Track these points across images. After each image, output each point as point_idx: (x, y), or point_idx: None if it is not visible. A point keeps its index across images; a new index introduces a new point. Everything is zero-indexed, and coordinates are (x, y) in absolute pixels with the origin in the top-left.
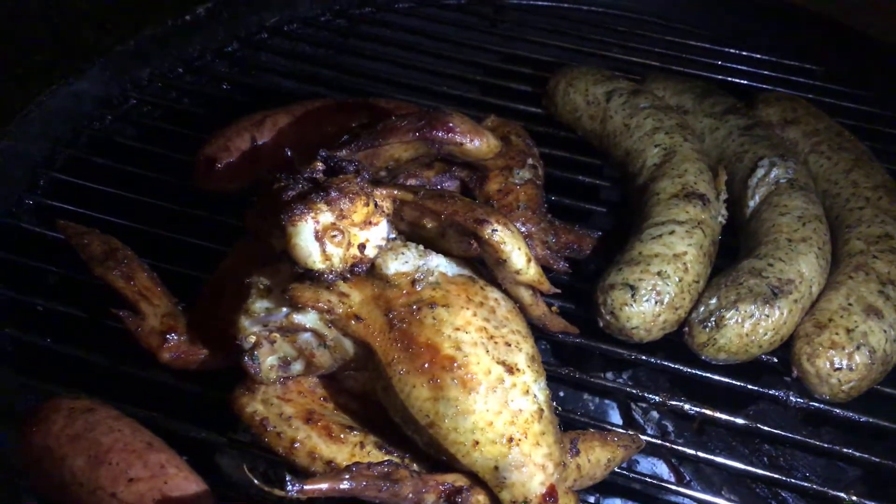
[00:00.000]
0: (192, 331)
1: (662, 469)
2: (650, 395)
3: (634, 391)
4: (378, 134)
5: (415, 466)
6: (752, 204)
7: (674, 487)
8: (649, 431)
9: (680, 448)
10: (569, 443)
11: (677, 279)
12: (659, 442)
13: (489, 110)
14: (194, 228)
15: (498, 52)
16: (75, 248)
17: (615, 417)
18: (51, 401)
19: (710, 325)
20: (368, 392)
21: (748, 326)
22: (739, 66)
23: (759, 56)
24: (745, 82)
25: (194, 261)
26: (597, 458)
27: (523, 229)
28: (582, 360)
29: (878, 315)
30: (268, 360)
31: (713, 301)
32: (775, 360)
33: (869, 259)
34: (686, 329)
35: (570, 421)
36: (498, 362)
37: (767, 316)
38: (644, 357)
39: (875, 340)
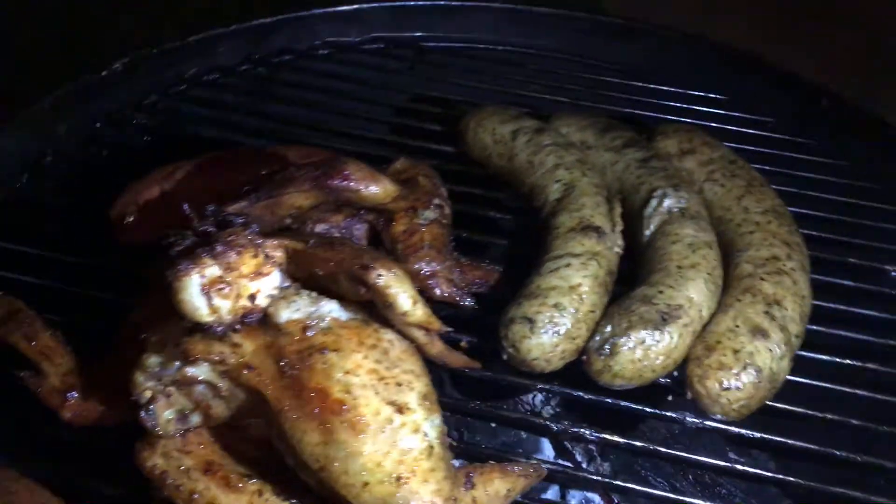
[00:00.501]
0: (93, 388)
1: (595, 499)
2: (552, 424)
3: (537, 420)
4: (277, 185)
5: None
6: (646, 233)
7: None
8: (578, 459)
9: (606, 480)
10: (463, 477)
11: (573, 310)
12: (586, 474)
13: (407, 151)
14: (108, 282)
15: (415, 93)
16: None
17: (541, 447)
18: None
19: (604, 352)
20: (270, 438)
21: (640, 352)
22: (647, 99)
23: (666, 88)
24: (653, 114)
25: (102, 314)
26: (495, 489)
27: (427, 269)
28: (493, 391)
29: (763, 335)
30: (164, 414)
31: (607, 329)
32: (670, 382)
33: (756, 281)
34: (584, 357)
35: (475, 454)
36: (387, 403)
37: (658, 341)
38: (547, 386)
39: (761, 360)
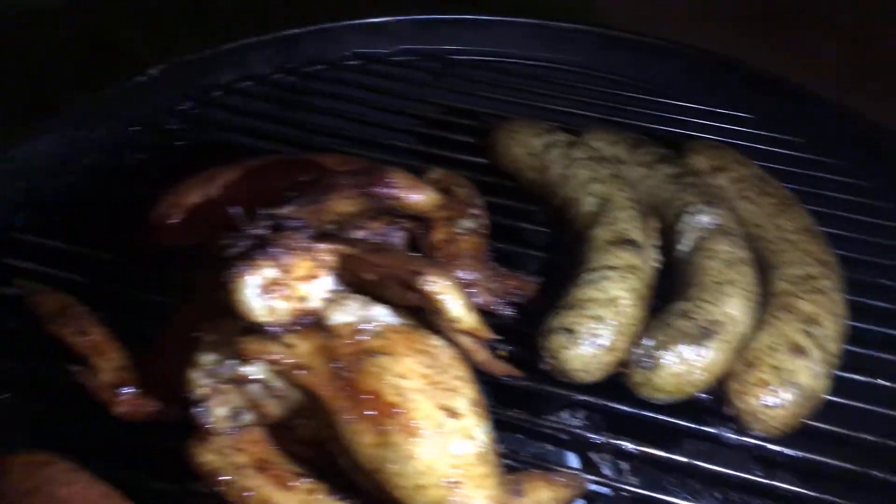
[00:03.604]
0: (144, 384)
1: None
2: (592, 436)
3: (578, 432)
4: (322, 191)
5: None
6: (681, 249)
7: None
8: (605, 472)
9: (637, 490)
10: (512, 484)
11: (613, 322)
12: (615, 483)
13: (435, 161)
14: (147, 282)
15: (444, 105)
16: (30, 306)
17: (570, 459)
18: (6, 456)
19: (646, 365)
20: (319, 439)
21: (682, 367)
22: (673, 116)
23: (692, 105)
24: (680, 131)
25: (149, 314)
26: (540, 498)
27: (467, 277)
28: (529, 401)
29: (802, 353)
30: (218, 411)
31: (648, 342)
32: (710, 398)
33: (793, 299)
34: (624, 369)
35: (515, 463)
36: (440, 407)
37: (699, 356)
38: (586, 397)
39: (801, 377)
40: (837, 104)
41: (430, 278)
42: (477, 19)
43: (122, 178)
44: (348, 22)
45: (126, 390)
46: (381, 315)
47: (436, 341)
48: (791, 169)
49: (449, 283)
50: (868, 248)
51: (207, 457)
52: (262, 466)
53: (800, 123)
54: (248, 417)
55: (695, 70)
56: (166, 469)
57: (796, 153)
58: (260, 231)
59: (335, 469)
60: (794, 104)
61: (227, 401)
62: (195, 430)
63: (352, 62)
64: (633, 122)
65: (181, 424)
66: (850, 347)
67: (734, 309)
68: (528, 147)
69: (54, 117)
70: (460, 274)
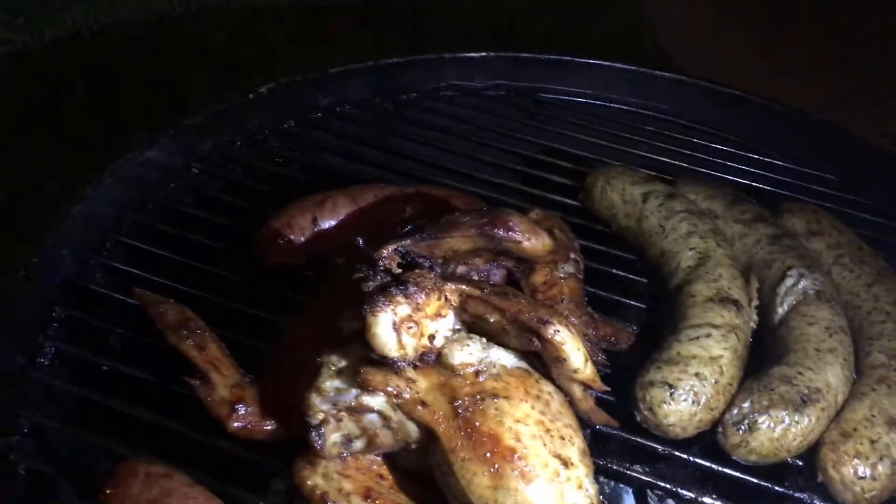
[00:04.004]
0: (259, 402)
1: None
2: (683, 491)
3: (667, 485)
4: (442, 227)
5: None
6: (780, 311)
7: None
8: None
9: None
10: None
11: (713, 381)
12: None
13: (528, 200)
14: (253, 298)
15: (536, 143)
16: (151, 316)
17: None
18: (127, 464)
19: (743, 427)
20: (422, 472)
21: (779, 431)
22: (761, 172)
23: (779, 162)
24: (768, 188)
25: (254, 330)
26: None
27: None
28: (608, 449)
29: None
30: (332, 437)
31: (746, 405)
32: (801, 463)
33: (891, 372)
34: (720, 429)
35: None
36: (554, 455)
37: (797, 422)
38: (676, 452)
39: None
40: None
41: (557, 327)
42: (570, 60)
43: (224, 192)
44: (447, 54)
45: (242, 408)
46: (500, 357)
47: (548, 387)
48: (877, 236)
49: (573, 333)
50: None
51: (315, 480)
52: (368, 495)
53: (885, 189)
54: (357, 445)
55: (780, 126)
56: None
57: (882, 220)
58: (392, 265)
59: (436, 503)
60: (877, 167)
61: (343, 427)
62: (304, 452)
63: (446, 93)
64: (724, 175)
65: (291, 443)
66: None
67: (833, 377)
68: (626, 194)
69: (165, 132)
70: None
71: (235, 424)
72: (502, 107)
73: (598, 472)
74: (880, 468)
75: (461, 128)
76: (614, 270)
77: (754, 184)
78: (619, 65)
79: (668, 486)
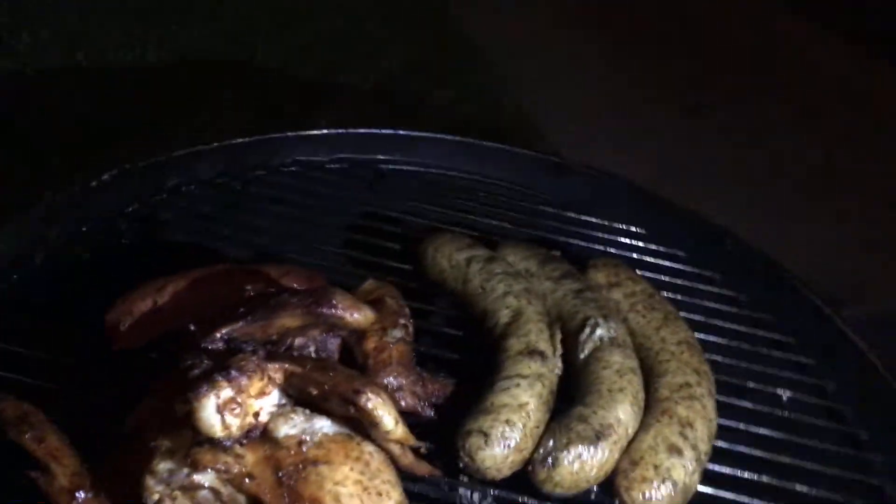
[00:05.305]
0: (98, 487)
1: None
2: None
3: None
4: (271, 309)
5: None
6: (581, 356)
7: None
8: None
9: None
10: None
11: (521, 425)
12: None
13: (367, 267)
14: (101, 385)
15: (374, 212)
16: None
17: None
18: None
19: (547, 464)
20: None
21: (577, 465)
22: (578, 230)
23: (593, 220)
24: (584, 244)
25: (103, 415)
26: None
27: (395, 382)
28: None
29: (678, 453)
30: None
31: (550, 443)
32: (600, 491)
33: (672, 404)
34: (529, 467)
35: None
36: None
37: (593, 456)
38: (496, 492)
39: (676, 474)
40: (714, 224)
41: (368, 396)
42: (409, 135)
43: (72, 279)
44: (291, 133)
45: (81, 495)
46: (322, 427)
47: (368, 448)
48: (674, 280)
49: (384, 399)
50: (736, 354)
51: None
52: None
53: (684, 240)
54: None
55: (595, 187)
56: None
57: (680, 266)
58: (217, 348)
59: None
60: (679, 221)
61: None
62: None
63: (292, 168)
64: (544, 234)
65: None
66: (719, 444)
67: (623, 413)
68: (452, 260)
69: (13, 217)
70: (390, 380)
71: None
72: (345, 179)
73: None
74: (664, 490)
75: (305, 200)
76: (445, 329)
77: (570, 240)
78: (451, 137)
79: None
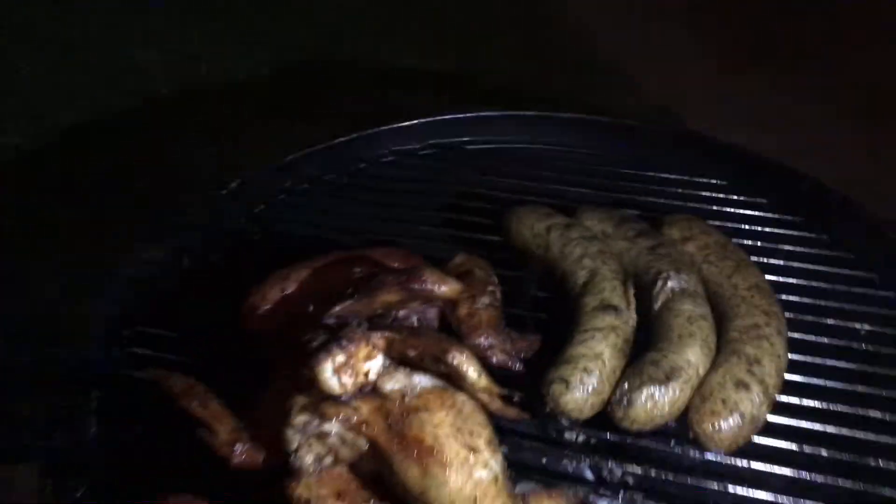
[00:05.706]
0: (252, 441)
1: None
2: (586, 457)
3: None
4: (372, 288)
5: None
6: (655, 308)
7: None
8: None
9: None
10: (521, 499)
11: (598, 372)
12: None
13: (457, 241)
14: (245, 361)
15: (465, 192)
16: (162, 388)
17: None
18: (165, 497)
19: (623, 404)
20: (376, 474)
21: (650, 403)
22: (657, 187)
23: (672, 176)
24: (663, 201)
25: (249, 385)
26: None
27: (486, 343)
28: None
29: (746, 388)
30: (307, 458)
31: (625, 385)
32: (677, 425)
33: (740, 345)
34: (609, 408)
35: (524, 474)
36: (464, 447)
37: (664, 395)
38: (584, 429)
39: (744, 407)
40: (794, 169)
41: (454, 353)
42: (489, 115)
43: (212, 276)
44: (385, 127)
45: (240, 447)
46: (421, 381)
47: (461, 397)
48: (756, 228)
49: (468, 356)
50: (816, 293)
51: (300, 491)
52: (339, 496)
53: (764, 186)
54: (328, 460)
55: (674, 146)
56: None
57: (761, 213)
58: (331, 324)
59: (393, 496)
60: (757, 170)
61: (313, 449)
62: (291, 472)
63: (388, 158)
64: (624, 196)
65: (282, 469)
66: (794, 378)
67: (693, 356)
68: (534, 229)
69: (160, 228)
70: (481, 340)
71: (236, 460)
72: (436, 162)
73: (564, 458)
74: (732, 421)
75: (404, 187)
76: (532, 292)
77: (650, 198)
78: (529, 112)
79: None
